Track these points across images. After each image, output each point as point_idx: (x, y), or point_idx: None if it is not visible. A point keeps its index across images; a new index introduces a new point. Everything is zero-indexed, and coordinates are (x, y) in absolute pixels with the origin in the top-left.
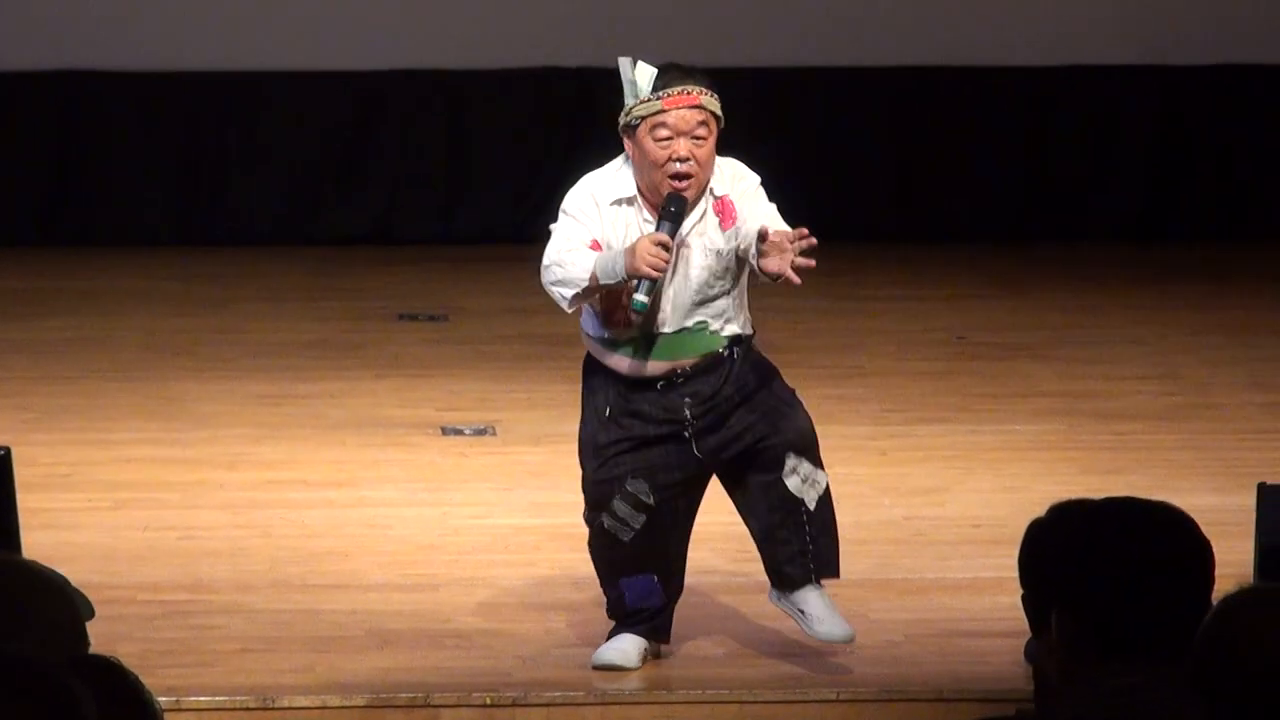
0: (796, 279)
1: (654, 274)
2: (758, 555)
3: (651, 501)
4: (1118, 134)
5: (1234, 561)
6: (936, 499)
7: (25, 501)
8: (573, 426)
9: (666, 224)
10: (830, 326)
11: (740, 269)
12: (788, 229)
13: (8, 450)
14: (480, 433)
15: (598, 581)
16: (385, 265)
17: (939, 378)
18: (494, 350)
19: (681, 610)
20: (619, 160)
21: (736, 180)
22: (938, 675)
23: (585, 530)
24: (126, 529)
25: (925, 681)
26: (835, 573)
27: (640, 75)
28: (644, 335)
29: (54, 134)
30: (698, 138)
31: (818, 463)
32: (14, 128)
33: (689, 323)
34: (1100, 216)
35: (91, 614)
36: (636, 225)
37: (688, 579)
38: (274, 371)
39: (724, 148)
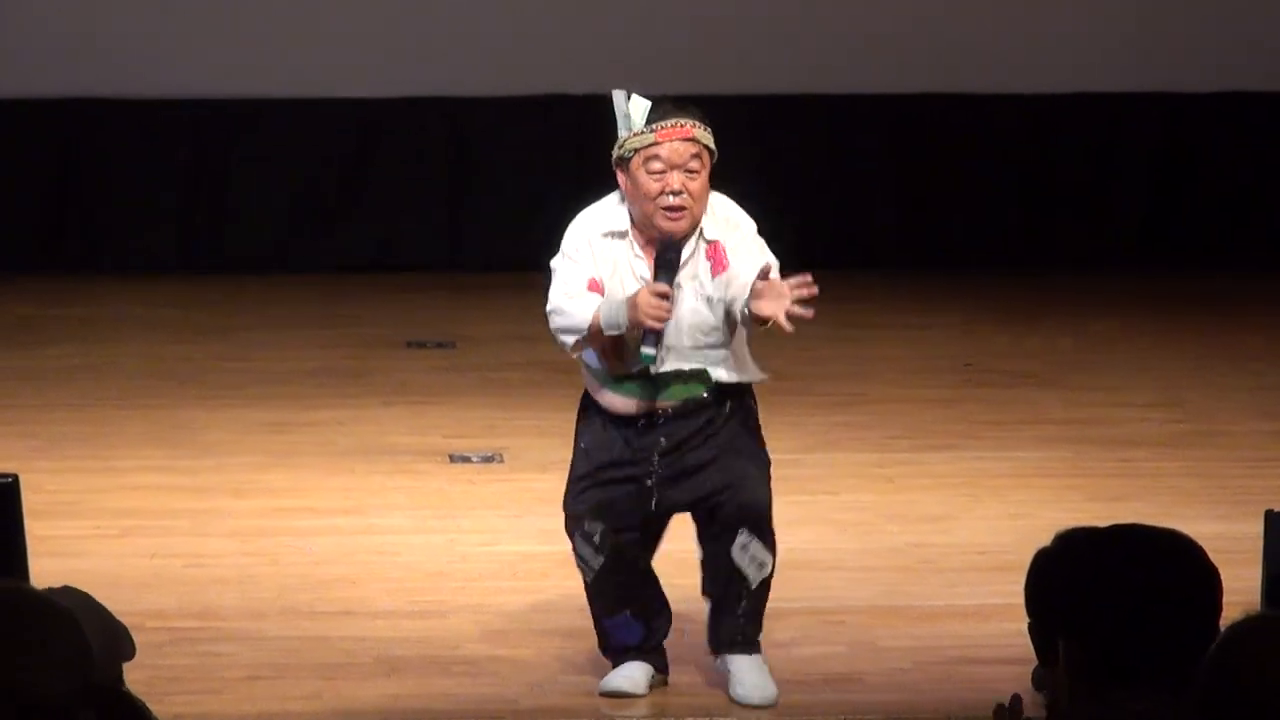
0: (788, 326)
1: (657, 325)
2: None
3: (607, 544)
4: (1122, 161)
5: (1241, 589)
6: (943, 526)
7: (32, 529)
8: None
9: (664, 274)
10: (837, 354)
11: (732, 324)
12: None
13: (15, 477)
14: (488, 460)
15: None
16: (392, 293)
17: (945, 405)
18: (502, 377)
19: (686, 638)
20: (615, 195)
21: (731, 227)
22: (945, 703)
23: None
24: (133, 556)
25: (932, 709)
26: (754, 650)
27: (634, 108)
28: (640, 375)
29: (57, 161)
30: (690, 171)
31: (768, 539)
32: (17, 154)
33: (686, 366)
34: (1106, 244)
35: (132, 653)
36: (627, 261)
37: (692, 607)
38: (281, 399)
39: (733, 174)
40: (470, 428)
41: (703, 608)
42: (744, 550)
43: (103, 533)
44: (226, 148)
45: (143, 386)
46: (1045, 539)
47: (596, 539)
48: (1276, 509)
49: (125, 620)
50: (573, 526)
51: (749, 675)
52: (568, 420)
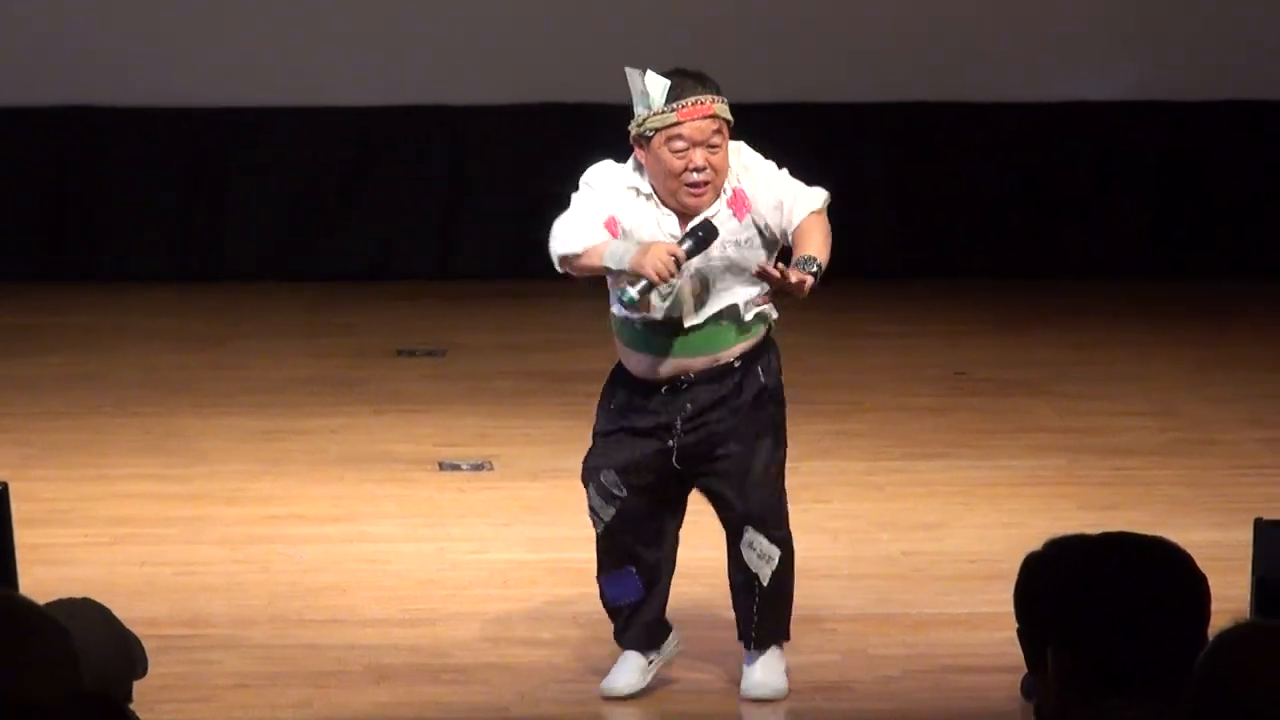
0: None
1: (655, 278)
2: None
3: (621, 495)
4: (1119, 169)
5: (1231, 597)
6: (935, 534)
7: (24, 537)
8: (570, 462)
9: (690, 242)
10: (830, 363)
11: (768, 251)
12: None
13: (5, 486)
14: (478, 468)
15: (595, 615)
16: (383, 301)
17: (938, 413)
18: (492, 386)
19: (686, 638)
20: (631, 162)
21: (746, 171)
22: (935, 711)
23: (583, 565)
24: (124, 564)
25: (922, 717)
26: (781, 639)
27: (652, 86)
28: (663, 332)
29: (54, 169)
30: (713, 146)
31: (773, 533)
32: (14, 163)
33: (707, 315)
34: (1101, 252)
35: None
36: (654, 217)
37: (686, 614)
38: (272, 407)
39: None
40: (461, 436)
41: (703, 609)
42: (751, 548)
43: (94, 540)
44: (223, 157)
45: (137, 395)
46: (1037, 547)
47: (610, 490)
48: (1267, 517)
49: None
50: (588, 477)
51: (754, 672)
52: (559, 429)
